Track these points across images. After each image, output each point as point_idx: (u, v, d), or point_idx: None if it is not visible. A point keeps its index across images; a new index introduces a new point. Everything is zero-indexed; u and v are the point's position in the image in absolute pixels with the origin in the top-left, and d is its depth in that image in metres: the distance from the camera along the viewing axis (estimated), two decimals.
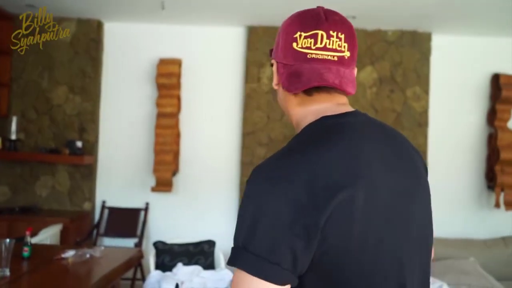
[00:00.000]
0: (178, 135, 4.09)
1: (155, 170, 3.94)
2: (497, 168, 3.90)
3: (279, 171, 0.72)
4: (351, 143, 0.77)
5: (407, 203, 0.80)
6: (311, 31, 0.81)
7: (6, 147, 4.01)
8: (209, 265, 3.16)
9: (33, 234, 3.00)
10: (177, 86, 4.02)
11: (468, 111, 4.14)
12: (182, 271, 2.82)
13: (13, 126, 4.00)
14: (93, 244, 3.89)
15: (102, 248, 2.74)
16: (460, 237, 3.83)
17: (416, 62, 4.03)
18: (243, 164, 4.04)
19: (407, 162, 0.84)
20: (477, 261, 3.41)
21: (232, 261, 0.71)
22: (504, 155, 3.87)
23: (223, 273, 2.85)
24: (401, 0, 3.25)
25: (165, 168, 3.94)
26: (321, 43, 0.80)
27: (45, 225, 3.49)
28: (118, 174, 4.18)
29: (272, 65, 0.88)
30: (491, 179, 4.00)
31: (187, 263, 3.06)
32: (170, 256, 3.07)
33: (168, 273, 2.82)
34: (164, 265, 3.03)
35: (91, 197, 4.12)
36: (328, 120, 0.80)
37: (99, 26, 4.12)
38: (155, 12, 3.73)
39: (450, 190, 3.99)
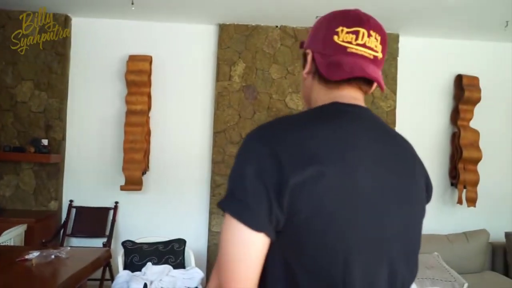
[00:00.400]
0: (148, 133, 4.04)
1: (125, 169, 3.87)
2: (460, 166, 4.05)
3: (270, 133, 0.80)
4: (349, 129, 0.83)
5: (390, 201, 0.82)
6: (353, 27, 0.89)
7: None
8: (179, 264, 3.14)
9: None
10: (147, 83, 3.96)
11: (433, 110, 4.28)
12: (151, 270, 2.80)
13: None
14: (60, 244, 3.80)
15: (68, 248, 2.68)
16: (425, 233, 3.95)
17: (384, 63, 4.13)
18: (214, 162, 4.03)
19: (403, 165, 0.88)
20: (440, 256, 3.53)
21: (219, 203, 0.79)
22: (467, 153, 4.02)
23: (193, 271, 2.84)
24: (370, 2, 3.31)
25: (135, 166, 3.89)
26: (361, 40, 0.88)
27: (9, 225, 3.37)
28: (86, 173, 4.09)
29: (305, 55, 0.95)
30: (454, 177, 4.15)
31: (156, 262, 3.04)
32: (139, 255, 3.03)
33: (137, 273, 2.79)
34: (133, 265, 2.99)
35: (58, 197, 4.01)
36: (339, 105, 0.88)
37: (66, 21, 4.01)
38: (124, 8, 3.67)
39: None
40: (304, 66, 0.95)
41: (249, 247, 0.75)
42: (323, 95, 0.91)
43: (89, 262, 2.56)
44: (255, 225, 0.74)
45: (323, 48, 0.90)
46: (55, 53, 3.98)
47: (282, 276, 0.77)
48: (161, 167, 4.10)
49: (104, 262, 2.79)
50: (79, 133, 4.10)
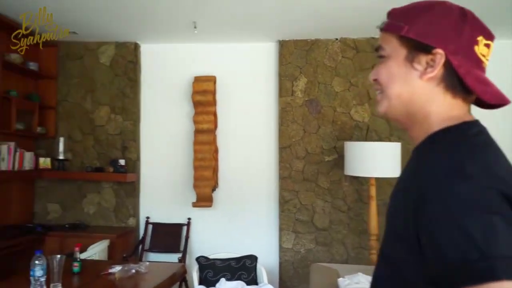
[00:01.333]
0: (216, 151, 4.17)
1: (195, 186, 4.03)
2: None
3: (486, 169, 0.66)
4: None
5: None
6: (489, 40, 0.77)
7: (55, 166, 4.24)
8: (252, 280, 3.20)
9: (82, 250, 3.15)
10: (213, 102, 4.11)
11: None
12: (225, 286, 2.87)
13: (61, 147, 4.22)
14: (139, 259, 4.01)
15: (147, 263, 2.83)
16: None
17: None
18: (282, 178, 4.06)
19: None
20: None
21: (492, 274, 0.57)
22: None
23: None
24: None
25: (205, 183, 4.03)
26: (488, 55, 0.78)
27: (93, 241, 3.65)
28: (160, 191, 4.30)
29: (417, 50, 0.77)
30: None
31: (230, 278, 3.11)
32: (213, 271, 3.13)
33: None
34: (208, 280, 3.09)
35: (135, 213, 4.26)
36: (474, 126, 0.76)
37: (136, 48, 4.29)
38: (188, 32, 3.85)
39: None
40: (412, 62, 0.78)
41: None
42: (445, 109, 0.77)
43: (167, 277, 2.69)
44: None
45: (464, 57, 0.75)
46: (127, 79, 4.28)
47: None
48: (229, 183, 4.21)
49: (180, 277, 2.91)
50: (152, 153, 4.33)
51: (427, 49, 0.76)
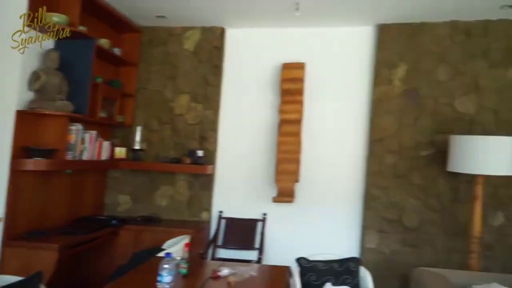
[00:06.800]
0: (300, 143, 3.88)
1: (278, 180, 3.75)
2: None
3: None
4: None
5: None
6: None
7: (129, 157, 4.05)
8: (356, 285, 2.90)
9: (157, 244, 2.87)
10: (302, 91, 3.81)
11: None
12: None
13: (137, 136, 4.03)
14: (212, 257, 3.80)
15: (256, 265, 2.58)
16: None
17: None
18: (370, 173, 3.73)
19: None
20: None
21: None
22: None
23: None
24: None
25: (288, 177, 3.75)
26: None
27: (169, 236, 3.42)
28: (235, 184, 4.06)
29: None
30: None
31: (334, 282, 2.83)
32: (315, 274, 2.85)
33: None
34: (311, 285, 2.82)
35: (209, 207, 4.03)
36: None
37: (222, 33, 4.04)
38: (282, 16, 3.57)
39: None
40: None
41: None
42: None
43: (280, 281, 2.43)
44: None
45: None
46: (211, 66, 4.04)
47: None
48: (311, 178, 3.91)
49: (288, 280, 2.65)
50: (230, 144, 4.08)
51: None
